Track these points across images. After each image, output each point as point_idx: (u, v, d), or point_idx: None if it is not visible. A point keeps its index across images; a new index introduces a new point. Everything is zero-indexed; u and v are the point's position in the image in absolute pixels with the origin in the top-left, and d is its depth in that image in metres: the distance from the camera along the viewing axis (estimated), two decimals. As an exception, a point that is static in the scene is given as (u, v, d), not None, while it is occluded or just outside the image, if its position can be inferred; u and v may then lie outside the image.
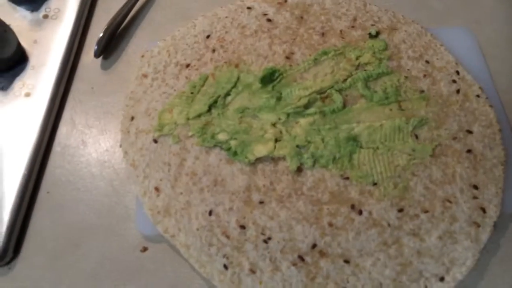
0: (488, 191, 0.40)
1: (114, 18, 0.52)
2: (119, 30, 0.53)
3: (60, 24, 0.53)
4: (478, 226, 0.38)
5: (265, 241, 0.38)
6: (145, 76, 0.47)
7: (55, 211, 0.42)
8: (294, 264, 0.37)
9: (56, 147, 0.47)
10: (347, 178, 0.41)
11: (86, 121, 0.48)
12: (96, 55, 0.50)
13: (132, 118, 0.45)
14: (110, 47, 0.53)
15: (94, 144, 0.46)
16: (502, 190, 0.40)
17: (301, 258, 0.37)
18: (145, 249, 0.40)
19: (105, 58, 0.52)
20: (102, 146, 0.46)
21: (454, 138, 0.42)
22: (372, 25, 0.50)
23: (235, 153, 0.42)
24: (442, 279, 0.36)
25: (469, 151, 0.42)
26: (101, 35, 0.50)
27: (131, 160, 0.42)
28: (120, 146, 0.43)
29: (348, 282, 0.36)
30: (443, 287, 0.36)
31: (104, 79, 0.51)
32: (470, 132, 0.43)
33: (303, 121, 0.43)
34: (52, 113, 0.48)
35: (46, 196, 0.44)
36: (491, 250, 0.39)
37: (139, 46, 0.52)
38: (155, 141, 0.43)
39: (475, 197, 0.39)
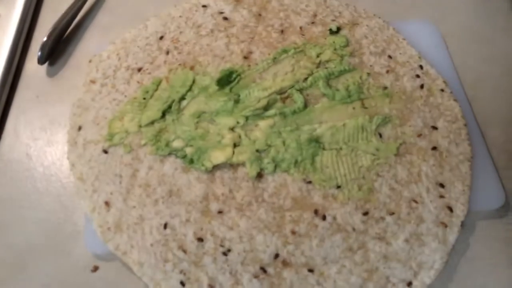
0: (455, 189, 0.38)
1: (59, 21, 0.49)
2: (66, 33, 0.50)
3: (2, 28, 0.49)
4: (446, 226, 0.37)
5: (225, 253, 0.36)
6: (93, 82, 0.44)
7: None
8: (256, 277, 0.35)
9: (-1, 162, 0.43)
10: (310, 182, 0.39)
11: (31, 132, 0.45)
12: (41, 61, 0.47)
13: (80, 128, 0.42)
14: (56, 52, 0.49)
15: (40, 157, 0.43)
16: (469, 188, 0.38)
17: (263, 269, 0.35)
18: (96, 268, 0.38)
19: (50, 64, 0.49)
20: (49, 159, 0.43)
21: (419, 135, 0.41)
22: (333, 20, 0.48)
23: (191, 161, 0.39)
24: (409, 284, 0.35)
25: (434, 148, 0.40)
26: (45, 39, 0.47)
27: (78, 173, 0.39)
28: (68, 158, 0.40)
29: None
30: None
31: (50, 87, 0.48)
32: (435, 128, 0.41)
33: (262, 123, 0.41)
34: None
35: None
36: (459, 250, 0.37)
37: (88, 50, 0.49)
38: (105, 151, 0.40)
39: (441, 196, 0.38)
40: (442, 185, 0.38)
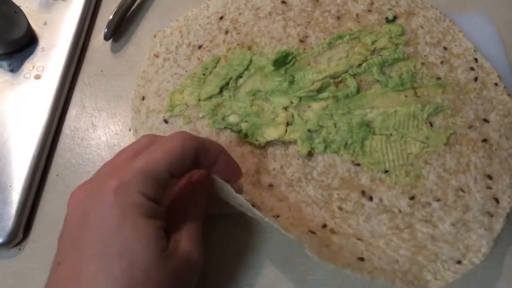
0: (503, 181, 0.39)
1: (124, 0, 0.51)
2: (129, 12, 0.53)
3: (70, 6, 0.52)
4: (491, 216, 0.37)
5: (274, 217, 0.37)
6: (156, 56, 0.47)
7: (64, 193, 0.42)
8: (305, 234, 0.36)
9: (66, 130, 0.46)
10: (358, 164, 0.40)
11: (96, 104, 0.48)
12: (106, 37, 0.50)
13: (143, 98, 0.45)
14: (120, 30, 0.52)
15: (104, 127, 0.46)
16: (517, 181, 0.39)
17: (311, 232, 0.36)
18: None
19: (115, 41, 0.52)
20: (112, 129, 0.46)
21: (470, 127, 0.41)
22: (389, 9, 0.49)
23: (245, 135, 0.41)
24: (459, 262, 0.35)
25: (484, 140, 0.41)
26: (111, 17, 0.50)
27: (141, 139, 0.42)
28: (130, 129, 0.43)
29: (362, 254, 0.35)
30: (461, 269, 0.34)
31: (114, 62, 0.50)
32: (486, 121, 0.41)
33: (315, 105, 0.43)
34: (61, 96, 0.47)
35: (55, 179, 0.44)
36: (505, 242, 0.38)
37: (150, 29, 0.52)
38: (166, 121, 0.43)
39: (489, 187, 0.38)
40: (490, 177, 0.39)
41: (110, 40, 0.51)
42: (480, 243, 0.36)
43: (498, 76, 0.44)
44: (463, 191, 0.38)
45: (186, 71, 0.46)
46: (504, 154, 0.40)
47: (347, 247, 0.35)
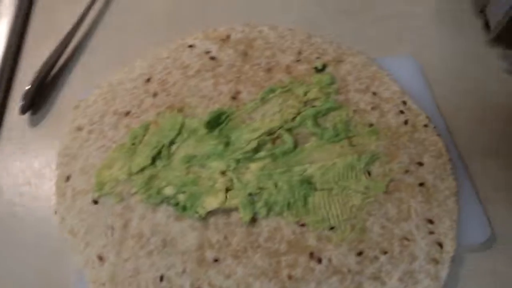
0: (443, 224, 0.39)
1: (42, 68, 0.48)
2: (48, 79, 0.49)
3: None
4: (437, 262, 0.37)
5: None
6: (79, 129, 0.44)
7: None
8: None
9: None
10: (303, 224, 0.39)
11: (15, 187, 0.43)
12: (23, 111, 0.46)
13: (68, 178, 0.41)
14: (38, 100, 0.48)
15: (24, 213, 0.42)
16: (456, 222, 0.39)
17: None
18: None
19: (33, 113, 0.48)
20: (34, 215, 0.42)
21: (406, 172, 0.42)
22: (317, 58, 0.49)
23: (184, 208, 0.39)
24: (406, 323, 0.35)
25: (421, 184, 0.41)
26: (28, 87, 0.46)
27: (69, 227, 0.39)
28: (55, 212, 0.39)
29: None
30: None
31: (33, 137, 0.46)
32: (421, 164, 0.42)
33: (253, 166, 0.41)
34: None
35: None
36: (450, 285, 0.38)
37: (72, 96, 0.48)
38: (95, 202, 0.40)
39: (431, 232, 0.39)
40: (431, 221, 0.39)
41: (28, 113, 0.47)
42: None
43: (427, 117, 0.45)
44: (407, 239, 0.38)
45: (114, 142, 0.43)
46: (441, 196, 0.41)
47: None
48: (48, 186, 0.43)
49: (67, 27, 0.52)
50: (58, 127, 0.47)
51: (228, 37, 0.51)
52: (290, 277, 0.37)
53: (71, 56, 0.52)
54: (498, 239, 0.40)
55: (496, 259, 0.39)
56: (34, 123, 0.47)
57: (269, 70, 0.48)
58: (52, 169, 0.43)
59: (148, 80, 0.47)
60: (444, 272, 0.37)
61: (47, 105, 0.48)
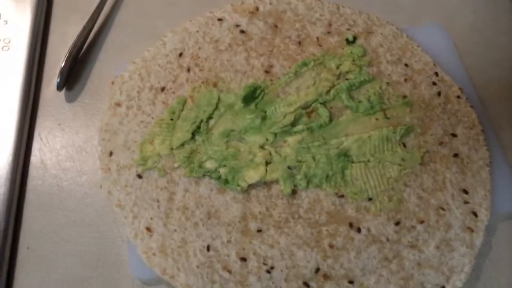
0: (478, 194, 0.40)
1: (74, 45, 0.48)
2: (79, 56, 0.49)
3: (13, 56, 0.48)
4: (472, 231, 0.39)
5: (268, 271, 0.37)
6: (118, 105, 0.44)
7: (39, 267, 0.39)
8: None
9: (30, 196, 0.43)
10: (342, 196, 0.40)
11: (59, 163, 0.44)
12: (60, 87, 0.46)
13: (111, 153, 0.42)
14: (72, 76, 0.48)
15: (72, 188, 0.43)
16: (490, 192, 0.41)
17: (306, 284, 0.37)
18: (143, 292, 0.39)
19: (68, 89, 0.48)
20: (81, 190, 0.43)
21: (441, 143, 0.43)
22: (348, 29, 0.49)
23: (226, 182, 0.40)
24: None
25: (455, 155, 0.42)
26: (63, 64, 0.46)
27: (116, 200, 0.40)
28: (101, 186, 0.40)
29: None
30: None
31: (71, 113, 0.47)
32: (454, 135, 0.43)
33: (291, 139, 0.42)
34: (19, 157, 0.44)
35: (26, 252, 0.40)
36: (484, 252, 0.40)
37: (105, 72, 0.49)
38: (140, 176, 0.41)
39: (466, 202, 0.40)
40: (465, 191, 0.41)
41: (63, 89, 0.48)
42: (463, 263, 0.37)
43: (460, 88, 0.45)
44: (443, 209, 0.40)
45: (153, 117, 0.44)
46: (475, 167, 0.42)
47: None
48: (91, 161, 0.44)
49: (94, 3, 0.51)
50: (94, 103, 0.47)
51: (256, 9, 0.50)
52: (331, 246, 0.38)
53: (100, 32, 0.52)
54: (530, 208, 0.41)
55: (528, 227, 0.41)
56: (70, 100, 0.48)
57: (300, 43, 0.48)
58: (93, 145, 0.44)
59: (180, 54, 0.47)
60: (479, 240, 0.39)
61: (81, 81, 0.48)
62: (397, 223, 0.39)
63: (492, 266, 0.39)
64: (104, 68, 0.49)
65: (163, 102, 0.44)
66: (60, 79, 0.46)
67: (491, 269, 0.39)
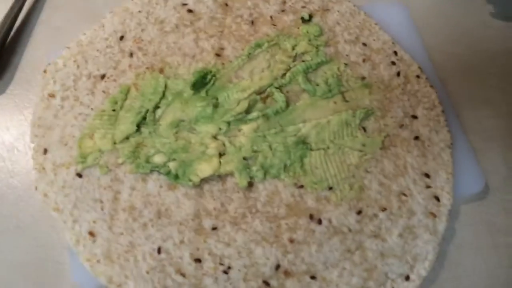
0: (440, 177, 0.39)
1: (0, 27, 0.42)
2: (7, 41, 0.44)
3: None
4: (435, 216, 0.38)
5: (225, 272, 0.35)
6: (52, 96, 0.40)
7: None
8: None
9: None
10: (302, 186, 0.38)
11: None
12: (-17, 77, 0.41)
13: (46, 151, 0.38)
14: (0, 63, 0.43)
15: (3, 191, 0.38)
16: (452, 175, 0.39)
17: (266, 283, 0.35)
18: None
19: (-4, 79, 0.43)
20: (13, 192, 0.38)
21: (401, 126, 0.41)
22: (303, 7, 0.46)
23: (176, 177, 0.37)
24: (407, 278, 0.36)
25: (416, 137, 0.41)
26: (-15, 50, 0.41)
27: (53, 203, 0.36)
28: (36, 188, 0.36)
29: None
30: (409, 286, 0.35)
31: (-1, 107, 0.42)
32: (415, 117, 0.41)
33: (246, 128, 0.39)
34: None
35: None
36: (447, 237, 0.39)
37: (38, 59, 0.44)
38: (79, 175, 0.37)
39: (428, 186, 0.39)
40: (427, 175, 0.39)
41: (-10, 80, 0.42)
42: (426, 250, 0.36)
43: (419, 68, 0.44)
44: (405, 195, 0.38)
45: (92, 109, 0.39)
46: (436, 149, 0.40)
47: None
48: (24, 160, 0.39)
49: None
50: (26, 94, 0.42)
51: (205, -14, 0.46)
52: (291, 240, 0.36)
53: (30, 13, 0.46)
54: (491, 189, 0.40)
55: (490, 210, 0.40)
56: (-1, 91, 0.42)
57: (253, 22, 0.45)
58: (26, 141, 0.40)
59: (122, 38, 0.43)
60: (442, 226, 0.38)
61: (10, 70, 0.43)
62: (359, 212, 0.37)
63: (457, 251, 0.39)
64: (35, 55, 0.44)
65: (104, 92, 0.40)
66: (-17, 68, 0.41)
67: (456, 254, 0.39)
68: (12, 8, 0.44)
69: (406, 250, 0.36)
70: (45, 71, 0.40)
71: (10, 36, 0.44)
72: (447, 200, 0.38)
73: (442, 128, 0.41)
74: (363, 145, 0.40)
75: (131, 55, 0.42)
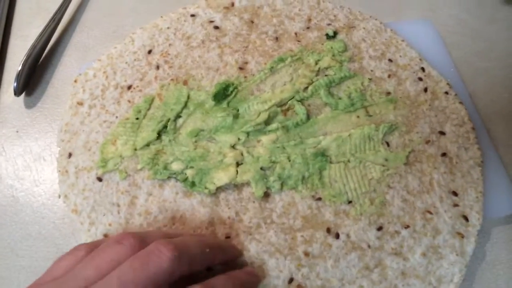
0: (468, 196, 0.37)
1: (33, 47, 0.45)
2: (41, 59, 0.46)
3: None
4: (462, 236, 0.35)
5: None
6: (80, 104, 0.41)
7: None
8: None
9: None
10: (320, 198, 0.37)
11: (15, 172, 0.41)
12: (17, 92, 0.43)
13: (70, 155, 0.39)
14: (32, 80, 0.45)
15: (27, 198, 0.40)
16: (482, 194, 0.37)
17: None
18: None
19: (28, 94, 0.45)
20: (38, 199, 0.40)
21: (427, 142, 0.39)
22: (328, 24, 0.46)
23: (192, 184, 0.37)
24: (430, 300, 0.33)
25: (444, 154, 0.39)
26: (19, 68, 0.43)
27: (72, 205, 0.37)
28: (59, 196, 0.37)
29: None
30: None
31: (30, 119, 0.44)
32: (442, 133, 0.40)
33: (265, 139, 0.39)
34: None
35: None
36: (478, 256, 0.36)
37: (68, 75, 0.46)
38: (99, 179, 0.38)
39: (455, 205, 0.37)
40: (455, 193, 0.37)
41: (23, 95, 0.45)
42: (452, 272, 0.34)
43: (448, 84, 0.42)
44: (430, 212, 0.36)
45: (117, 117, 0.41)
46: (465, 166, 0.38)
47: None
48: (50, 170, 0.41)
49: (55, 5, 0.49)
50: (55, 108, 0.44)
51: (232, 4, 0.48)
52: (306, 253, 0.35)
53: (63, 34, 0.49)
54: (525, 210, 0.38)
55: (524, 231, 0.37)
56: (30, 105, 0.45)
57: (277, 38, 0.45)
58: (52, 152, 0.41)
59: (150, 51, 0.44)
60: (470, 247, 0.35)
61: (42, 86, 0.46)
62: (380, 228, 0.36)
63: (488, 272, 0.36)
64: (66, 71, 0.46)
65: (129, 101, 0.41)
66: (17, 83, 0.43)
67: (487, 274, 0.36)
68: (45, 29, 0.47)
69: (430, 271, 0.34)
70: (75, 81, 0.42)
71: (43, 55, 0.47)
72: (476, 220, 0.36)
73: (472, 146, 0.39)
74: (386, 159, 0.38)
75: (157, 67, 0.43)
